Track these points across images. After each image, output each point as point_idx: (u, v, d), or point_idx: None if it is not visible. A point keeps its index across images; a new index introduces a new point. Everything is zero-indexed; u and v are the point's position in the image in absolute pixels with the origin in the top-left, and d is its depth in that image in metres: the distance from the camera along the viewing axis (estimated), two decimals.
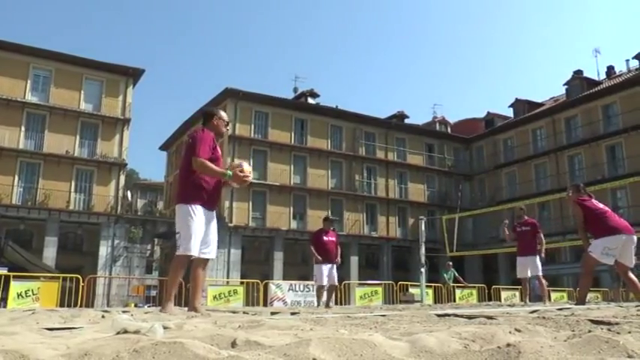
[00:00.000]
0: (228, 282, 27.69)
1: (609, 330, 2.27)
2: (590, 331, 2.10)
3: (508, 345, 1.62)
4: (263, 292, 19.10)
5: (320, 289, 11.40)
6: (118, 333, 1.98)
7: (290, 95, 43.67)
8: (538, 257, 10.92)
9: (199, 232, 4.93)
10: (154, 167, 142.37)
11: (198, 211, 4.94)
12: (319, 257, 10.97)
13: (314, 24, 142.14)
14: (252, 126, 37.81)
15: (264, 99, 38.26)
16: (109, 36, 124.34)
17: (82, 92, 33.46)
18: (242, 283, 20.95)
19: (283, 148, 38.09)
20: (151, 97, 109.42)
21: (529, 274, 11.01)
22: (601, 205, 7.81)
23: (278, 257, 36.13)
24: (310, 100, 42.35)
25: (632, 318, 3.25)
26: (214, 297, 17.83)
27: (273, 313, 4.98)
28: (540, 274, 10.93)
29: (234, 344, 1.87)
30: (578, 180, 35.82)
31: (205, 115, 5.46)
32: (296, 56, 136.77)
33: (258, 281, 20.02)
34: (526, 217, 11.50)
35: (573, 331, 2.42)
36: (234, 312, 5.80)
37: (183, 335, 2.03)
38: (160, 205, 53.14)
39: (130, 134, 34.67)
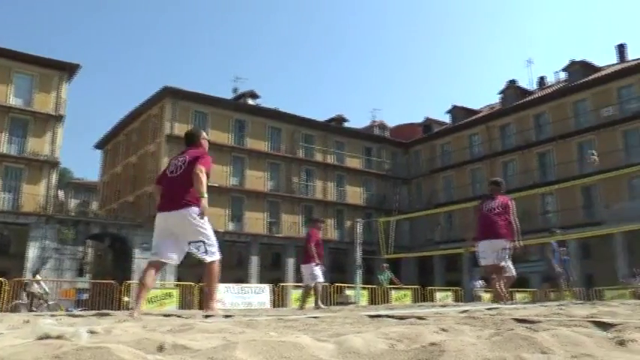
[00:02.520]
0: (163, 285, 27.15)
1: (529, 328, 2.36)
2: (511, 330, 2.17)
3: (432, 344, 1.66)
4: (198, 295, 18.85)
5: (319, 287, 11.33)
6: (40, 338, 1.91)
7: (230, 96, 43.35)
8: None
9: None
10: (88, 166, 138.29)
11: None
12: (319, 261, 11.04)
13: (255, 25, 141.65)
14: (191, 126, 37.24)
15: (204, 99, 37.82)
16: (42, 30, 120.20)
17: (12, 86, 32.14)
18: (177, 286, 20.60)
19: (222, 148, 37.68)
20: (87, 94, 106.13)
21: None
22: (485, 209, 8.39)
23: None
24: (250, 101, 42.11)
25: (553, 316, 3.38)
26: (148, 300, 17.44)
27: (206, 316, 4.91)
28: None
29: (161, 348, 1.84)
30: (511, 185, 37.12)
31: (193, 136, 5.67)
32: (236, 57, 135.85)
33: (193, 284, 19.75)
34: None
35: (498, 329, 2.50)
36: (166, 315, 5.70)
37: (110, 340, 1.98)
38: (95, 205, 51.70)
39: (63, 131, 33.61)
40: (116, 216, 36.60)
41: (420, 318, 3.49)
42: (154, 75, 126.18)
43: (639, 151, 32.85)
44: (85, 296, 25.18)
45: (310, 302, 11.59)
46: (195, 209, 5.02)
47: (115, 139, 44.92)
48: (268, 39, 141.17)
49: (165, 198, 5.26)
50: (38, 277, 19.65)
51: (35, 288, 18.22)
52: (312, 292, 11.40)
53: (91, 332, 2.40)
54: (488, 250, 8.20)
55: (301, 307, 11.14)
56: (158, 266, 5.27)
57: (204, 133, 5.79)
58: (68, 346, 1.59)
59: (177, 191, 5.14)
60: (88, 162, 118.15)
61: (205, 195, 5.10)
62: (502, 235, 8.17)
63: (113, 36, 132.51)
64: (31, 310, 16.34)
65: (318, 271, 11.06)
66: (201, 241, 5.00)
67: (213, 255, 5.05)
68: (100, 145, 47.89)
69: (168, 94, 36.37)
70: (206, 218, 5.07)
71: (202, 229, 5.02)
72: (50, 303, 18.27)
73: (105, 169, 47.26)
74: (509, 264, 11.41)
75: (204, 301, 5.36)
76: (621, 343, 1.81)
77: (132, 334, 2.26)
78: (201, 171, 5.11)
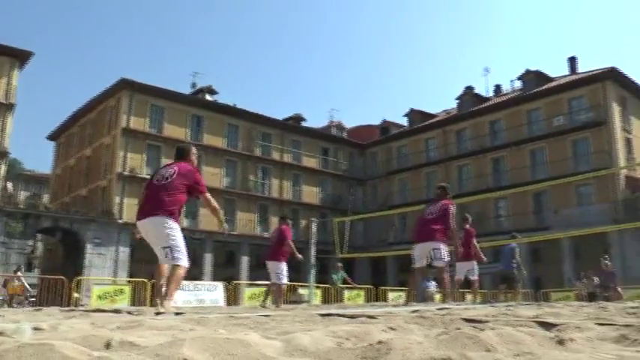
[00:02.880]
0: (115, 281, 26.67)
1: (475, 327, 2.42)
2: (458, 329, 2.22)
3: (379, 342, 1.68)
4: (151, 292, 18.54)
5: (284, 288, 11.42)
6: None
7: (188, 91, 42.80)
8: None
9: None
10: (40, 158, 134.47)
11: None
12: (299, 255, 11.27)
13: (215, 20, 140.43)
14: (148, 120, 36.68)
15: (161, 92, 37.26)
16: None
17: None
18: (129, 282, 20.26)
19: (178, 144, 37.15)
20: (41, 84, 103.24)
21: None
22: (425, 213, 8.84)
23: None
24: (208, 97, 41.69)
25: (500, 316, 3.47)
26: (99, 296, 17.13)
27: (157, 314, 4.86)
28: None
29: (108, 345, 1.82)
30: (466, 189, 37.96)
31: (183, 151, 6.13)
32: (195, 52, 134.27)
33: (146, 280, 19.44)
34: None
35: (446, 329, 2.54)
36: (117, 312, 5.61)
37: (55, 336, 1.95)
38: (46, 198, 50.33)
39: (14, 120, 32.56)
40: (68, 210, 35.70)
41: (370, 317, 3.52)
42: (111, 67, 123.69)
43: (587, 160, 33.96)
44: (33, 292, 24.47)
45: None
46: (168, 218, 5.46)
47: (68, 131, 43.84)
48: (228, 35, 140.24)
49: (145, 205, 5.68)
50: (19, 273, 19.39)
51: (16, 284, 18.05)
52: (273, 291, 11.37)
53: (36, 329, 2.35)
54: (421, 254, 8.48)
55: (263, 305, 11.07)
56: (162, 266, 5.77)
57: (194, 149, 6.26)
58: (9, 343, 1.55)
59: (159, 199, 5.55)
60: (40, 153, 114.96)
61: (225, 224, 6.23)
62: (432, 237, 8.40)
63: (69, 26, 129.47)
64: (11, 306, 16.06)
65: (285, 271, 10.98)
66: (169, 247, 5.38)
67: (179, 261, 5.40)
68: (53, 137, 46.68)
69: (125, 86, 35.72)
70: (178, 227, 5.51)
71: (172, 236, 5.42)
72: (32, 299, 18.08)
73: (57, 161, 46.10)
74: (475, 267, 11.63)
75: (160, 299, 5.62)
76: (561, 342, 1.88)
77: (78, 331, 2.22)
78: (211, 198, 5.88)
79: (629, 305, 6.19)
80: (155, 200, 5.55)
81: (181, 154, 6.08)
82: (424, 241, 8.46)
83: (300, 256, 11.25)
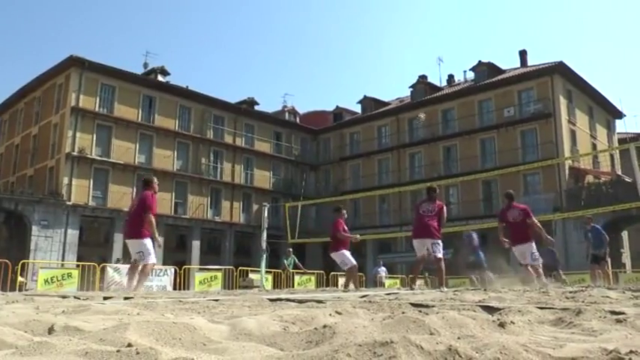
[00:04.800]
0: (62, 264, 26.06)
1: (420, 312, 2.47)
2: (404, 313, 2.26)
3: (325, 326, 1.70)
4: (100, 276, 18.22)
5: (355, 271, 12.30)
6: None
7: (140, 71, 41.86)
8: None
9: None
10: None
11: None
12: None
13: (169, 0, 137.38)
14: (98, 99, 35.70)
15: (112, 71, 36.27)
16: None
17: None
18: (78, 265, 19.84)
19: (129, 125, 36.48)
20: None
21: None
22: (421, 210, 9.71)
23: (118, 239, 34.31)
24: (160, 78, 40.84)
25: (447, 301, 3.54)
26: (46, 281, 16.68)
27: (105, 298, 4.78)
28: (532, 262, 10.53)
29: (51, 330, 1.79)
30: (417, 176, 38.51)
31: (146, 182, 8.85)
32: (148, 30, 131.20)
33: (95, 264, 19.07)
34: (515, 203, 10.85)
35: (392, 313, 2.58)
36: (64, 297, 5.50)
37: None
38: None
39: None
40: (13, 190, 34.58)
41: (319, 302, 3.55)
42: (60, 42, 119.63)
43: (534, 151, 35.05)
44: None
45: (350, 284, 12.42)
46: (139, 238, 8.34)
47: (13, 108, 42.29)
48: (181, 16, 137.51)
49: (126, 227, 8.97)
50: (119, 265, 19.24)
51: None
52: (346, 276, 12.59)
53: None
54: (421, 247, 9.43)
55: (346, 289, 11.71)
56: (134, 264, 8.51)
57: (155, 179, 8.93)
58: None
59: (131, 223, 8.60)
60: None
61: (157, 236, 8.57)
62: (431, 234, 9.35)
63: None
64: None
65: (349, 256, 11.93)
66: (141, 251, 8.31)
67: (148, 260, 8.32)
68: None
69: (75, 63, 34.62)
70: (147, 239, 8.35)
71: (143, 246, 8.32)
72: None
73: (1, 139, 44.52)
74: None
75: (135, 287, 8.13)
76: (502, 325, 1.94)
77: (20, 316, 2.18)
78: (149, 219, 8.41)
79: (569, 290, 6.42)
80: (130, 224, 8.67)
81: (144, 184, 8.77)
82: (423, 237, 9.40)
83: (356, 236, 12.77)
